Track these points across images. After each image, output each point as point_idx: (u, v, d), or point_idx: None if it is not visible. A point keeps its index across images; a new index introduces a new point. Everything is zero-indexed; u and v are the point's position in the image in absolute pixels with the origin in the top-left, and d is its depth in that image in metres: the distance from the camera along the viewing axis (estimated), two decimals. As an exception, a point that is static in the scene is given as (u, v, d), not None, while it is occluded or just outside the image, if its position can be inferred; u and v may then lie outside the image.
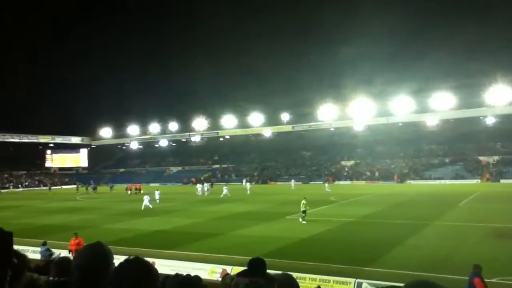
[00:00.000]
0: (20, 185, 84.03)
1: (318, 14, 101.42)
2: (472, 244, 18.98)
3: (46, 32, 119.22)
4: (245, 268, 2.15)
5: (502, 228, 22.05)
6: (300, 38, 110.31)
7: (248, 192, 52.38)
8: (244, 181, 62.68)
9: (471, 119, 69.38)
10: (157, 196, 42.14)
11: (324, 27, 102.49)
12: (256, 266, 2.10)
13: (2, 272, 1.67)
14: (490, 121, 69.50)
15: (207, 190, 53.06)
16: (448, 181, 62.94)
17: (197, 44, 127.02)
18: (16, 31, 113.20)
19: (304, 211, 26.13)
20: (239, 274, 1.88)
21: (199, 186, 55.44)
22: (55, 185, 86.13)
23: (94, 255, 2.30)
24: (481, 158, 68.69)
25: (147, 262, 2.15)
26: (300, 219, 25.91)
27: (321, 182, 66.89)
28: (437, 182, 63.27)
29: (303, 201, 26.46)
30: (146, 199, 37.98)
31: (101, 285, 2.25)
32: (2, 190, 74.62)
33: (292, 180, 64.91)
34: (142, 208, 36.65)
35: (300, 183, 71.56)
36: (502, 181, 60.05)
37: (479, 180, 62.37)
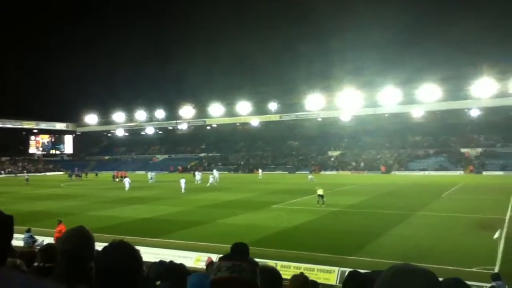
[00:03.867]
0: (3, 171, 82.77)
1: (307, 4, 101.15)
2: (455, 234, 19.30)
3: (33, 17, 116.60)
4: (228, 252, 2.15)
5: (483, 219, 22.44)
6: (289, 28, 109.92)
7: (217, 179, 52.50)
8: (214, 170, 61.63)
9: (456, 111, 70.21)
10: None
11: (313, 18, 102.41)
12: (238, 250, 2.11)
13: (2, 256, 1.61)
14: (474, 113, 70.42)
15: (199, 179, 52.14)
16: (432, 172, 63.78)
17: (186, 33, 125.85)
18: (2, 16, 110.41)
19: (321, 196, 27.88)
20: (222, 258, 1.85)
21: (149, 173, 56.83)
22: (39, 172, 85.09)
23: (77, 238, 2.31)
24: (464, 150, 69.68)
25: (132, 246, 2.11)
26: (323, 205, 27.67)
27: (307, 172, 67.25)
28: (421, 173, 64.08)
29: (319, 189, 28.24)
30: (127, 182, 43.16)
31: (85, 268, 2.25)
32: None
33: (260, 170, 66.18)
34: (126, 189, 41.62)
35: (287, 172, 71.76)
36: (484, 173, 60.99)
37: (462, 172, 63.25)
